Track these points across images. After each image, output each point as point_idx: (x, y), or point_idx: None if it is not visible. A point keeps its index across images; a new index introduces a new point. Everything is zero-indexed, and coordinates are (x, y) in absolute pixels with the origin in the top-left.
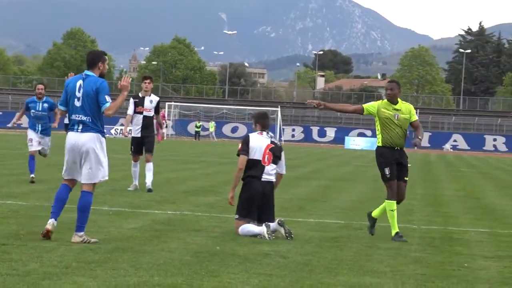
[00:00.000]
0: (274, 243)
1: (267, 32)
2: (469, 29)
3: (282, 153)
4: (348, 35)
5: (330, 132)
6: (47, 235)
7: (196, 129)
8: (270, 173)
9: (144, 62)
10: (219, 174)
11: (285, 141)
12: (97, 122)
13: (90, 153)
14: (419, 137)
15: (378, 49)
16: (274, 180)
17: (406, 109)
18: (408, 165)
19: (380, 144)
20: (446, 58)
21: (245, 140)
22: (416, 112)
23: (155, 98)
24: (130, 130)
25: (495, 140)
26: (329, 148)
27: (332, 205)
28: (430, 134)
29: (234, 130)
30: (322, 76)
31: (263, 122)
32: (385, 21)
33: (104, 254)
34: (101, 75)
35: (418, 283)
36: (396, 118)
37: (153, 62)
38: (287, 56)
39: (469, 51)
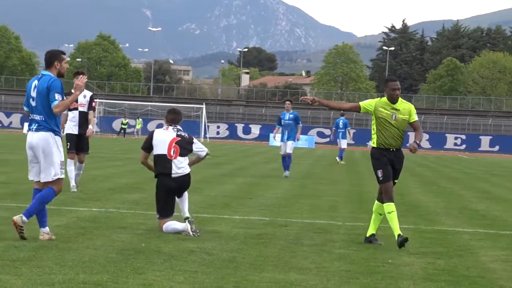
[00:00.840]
0: (200, 240)
1: (191, 29)
2: (393, 26)
3: (194, 144)
4: (273, 32)
5: (255, 129)
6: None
7: (123, 126)
8: (180, 166)
9: (69, 59)
10: (144, 171)
11: (210, 138)
12: (49, 121)
13: (42, 152)
14: (416, 141)
15: (303, 47)
16: (187, 171)
17: (405, 110)
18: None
19: (374, 145)
20: (370, 55)
21: (149, 136)
22: None
23: (88, 93)
24: (63, 129)
25: None
26: (254, 145)
27: (258, 202)
28: (354, 131)
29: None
30: (247, 73)
31: (168, 117)
32: (309, 19)
33: (29, 252)
34: (60, 75)
35: (342, 280)
36: (393, 118)
37: (78, 59)
38: (211, 53)
39: (392, 48)
